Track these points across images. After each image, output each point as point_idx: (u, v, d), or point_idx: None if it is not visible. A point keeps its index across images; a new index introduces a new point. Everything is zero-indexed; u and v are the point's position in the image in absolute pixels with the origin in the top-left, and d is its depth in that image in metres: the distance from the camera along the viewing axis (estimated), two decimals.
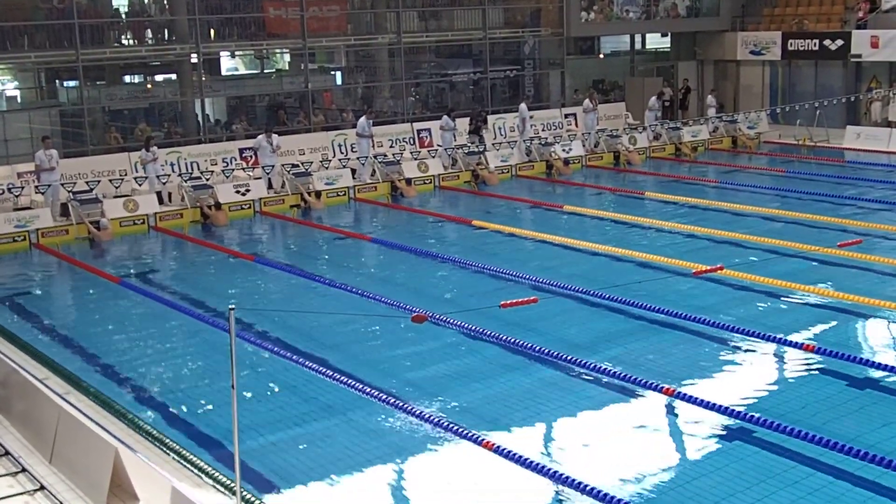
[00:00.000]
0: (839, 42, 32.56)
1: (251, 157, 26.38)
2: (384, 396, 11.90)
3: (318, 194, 24.54)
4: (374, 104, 31.76)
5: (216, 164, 26.16)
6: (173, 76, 30.21)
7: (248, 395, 12.29)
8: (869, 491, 9.49)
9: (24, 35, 25.99)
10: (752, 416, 10.98)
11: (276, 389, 12.74)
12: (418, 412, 11.41)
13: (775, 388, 12.31)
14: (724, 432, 10.90)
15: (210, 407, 12.23)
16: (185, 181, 24.20)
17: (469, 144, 28.55)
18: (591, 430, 11.21)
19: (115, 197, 23.35)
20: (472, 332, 14.17)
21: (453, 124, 28.44)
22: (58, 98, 29.97)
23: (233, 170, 25.77)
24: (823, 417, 11.17)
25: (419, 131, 29.88)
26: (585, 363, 12.80)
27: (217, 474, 9.85)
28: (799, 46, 33.81)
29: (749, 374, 12.73)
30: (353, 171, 26.41)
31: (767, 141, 32.35)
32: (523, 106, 30.44)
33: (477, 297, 16.10)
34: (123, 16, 28.59)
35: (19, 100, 30.08)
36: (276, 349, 13.82)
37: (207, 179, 24.42)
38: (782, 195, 23.79)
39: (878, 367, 12.47)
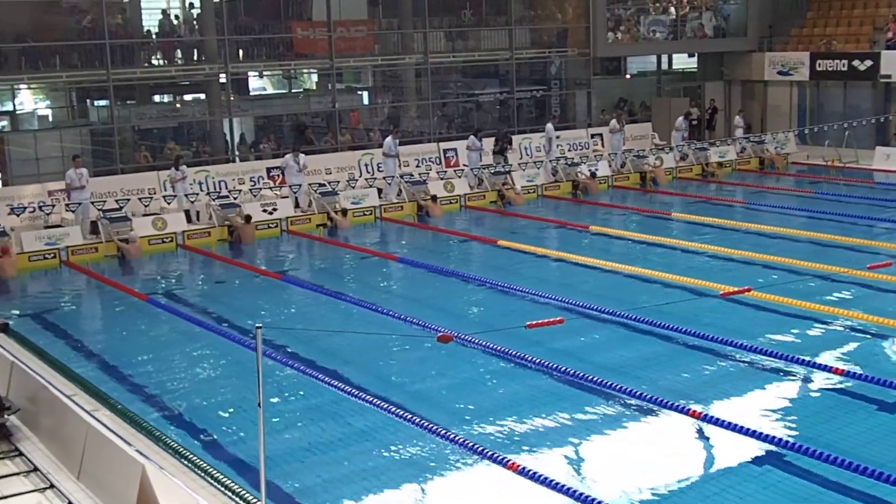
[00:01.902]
0: (868, 62, 32.42)
1: (278, 176, 26.54)
2: (409, 416, 11.89)
3: (344, 213, 24.63)
4: (400, 124, 31.89)
5: (244, 182, 26.35)
6: (202, 96, 30.48)
7: (275, 413, 12.32)
8: None
9: (56, 55, 26.31)
10: (780, 440, 10.89)
11: (302, 408, 12.77)
12: (443, 432, 11.39)
13: (803, 411, 12.21)
14: (751, 456, 10.80)
15: (236, 425, 12.26)
16: (213, 200, 24.36)
17: (495, 164, 28.58)
18: (617, 452, 11.16)
19: (144, 215, 23.55)
20: (498, 352, 14.15)
21: (480, 144, 28.50)
22: (88, 117, 30.28)
23: (260, 189, 25.93)
24: (852, 442, 11.06)
25: (445, 151, 29.97)
26: (611, 384, 12.75)
27: (243, 492, 9.87)
28: (827, 67, 33.68)
29: (776, 397, 12.63)
30: (380, 191, 26.51)
31: (795, 162, 32.19)
32: (549, 126, 30.47)
33: (503, 317, 16.11)
34: (154, 36, 28.88)
35: (51, 119, 30.41)
36: (302, 368, 13.85)
37: (235, 198, 24.58)
38: (810, 216, 23.66)
39: None
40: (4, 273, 20.13)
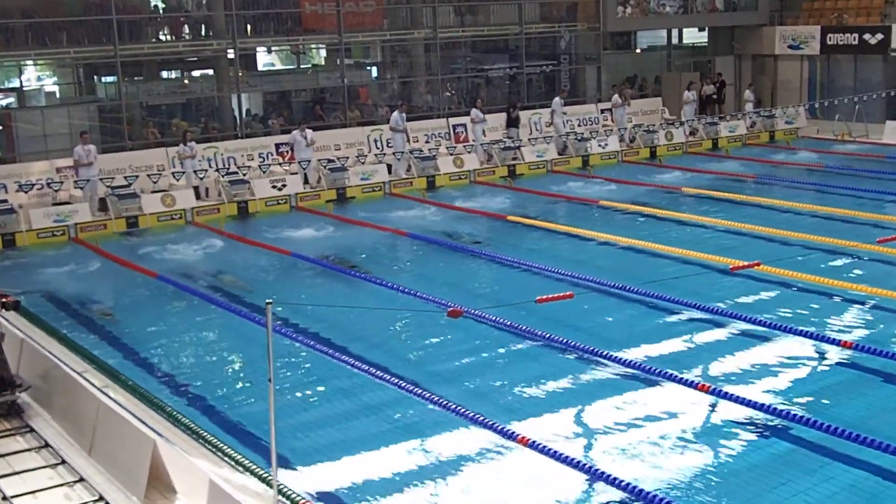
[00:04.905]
0: (879, 36, 32.19)
1: (287, 152, 26.51)
2: (420, 391, 11.92)
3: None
4: (410, 99, 31.77)
5: (252, 159, 26.33)
6: (210, 72, 30.42)
7: (286, 389, 12.36)
8: None
9: (63, 31, 26.26)
10: (788, 412, 10.91)
11: (312, 383, 12.82)
12: (454, 407, 11.42)
13: (812, 384, 12.22)
14: (760, 428, 10.84)
15: (247, 400, 12.32)
16: (223, 176, 24.37)
17: (505, 140, 28.52)
18: (627, 425, 11.17)
19: (153, 192, 23.58)
20: (508, 326, 14.17)
21: (482, 116, 28.43)
22: (96, 94, 30.27)
23: (269, 165, 25.91)
24: (860, 414, 11.11)
25: (455, 126, 29.89)
26: (621, 358, 12.77)
27: (254, 466, 9.91)
28: (838, 41, 33.44)
29: (785, 370, 12.62)
30: (389, 167, 26.47)
31: (805, 136, 32.06)
32: (556, 100, 30.38)
33: (513, 292, 16.11)
34: (161, 12, 28.80)
35: (58, 95, 30.41)
36: (312, 343, 13.89)
37: (244, 175, 24.59)
38: (820, 190, 23.59)
39: None
40: None
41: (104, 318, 16.26)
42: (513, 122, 29.25)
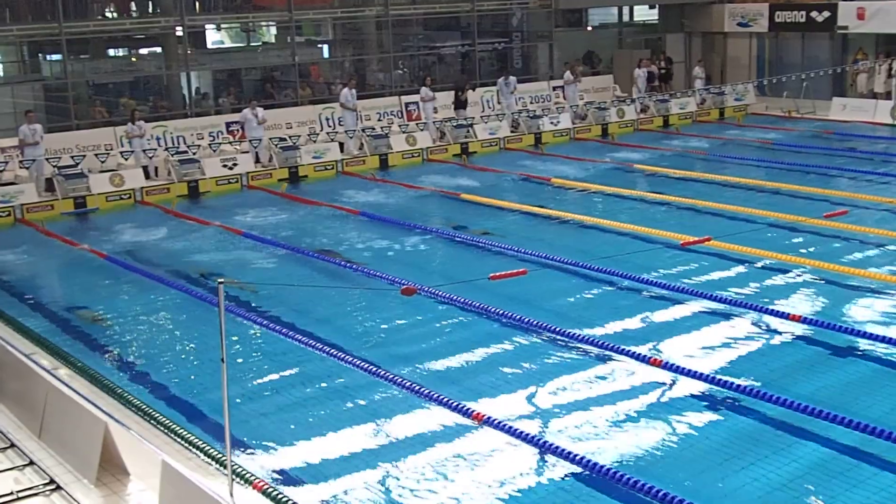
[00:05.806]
0: (826, 14, 32.55)
1: (238, 130, 26.27)
2: (374, 369, 11.91)
3: None
4: (364, 77, 31.54)
5: (203, 138, 26.06)
6: (158, 49, 30.01)
7: (238, 369, 12.28)
8: (852, 457, 9.59)
9: (5, 8, 25.76)
10: (738, 385, 11.05)
11: (266, 363, 12.75)
12: (408, 384, 11.43)
13: (761, 357, 12.35)
14: (710, 401, 10.97)
15: (199, 381, 12.22)
16: (172, 155, 24.10)
17: (457, 118, 28.47)
18: (580, 400, 11.24)
19: (101, 171, 23.26)
20: (462, 304, 14.19)
21: (432, 94, 28.34)
22: (41, 72, 29.76)
23: (220, 144, 25.65)
24: (809, 386, 11.26)
25: (407, 104, 29.78)
26: (574, 334, 12.84)
27: (207, 448, 9.86)
28: (786, 18, 33.80)
29: (735, 344, 12.75)
30: (342, 145, 26.33)
31: (754, 113, 32.39)
32: (500, 80, 30.24)
33: (466, 270, 16.13)
34: None
35: (2, 74, 29.86)
36: (265, 323, 13.82)
37: (194, 154, 24.33)
38: (769, 166, 23.87)
39: (862, 335, 12.53)
40: None
41: (52, 300, 16.06)
42: (461, 105, 29.10)
